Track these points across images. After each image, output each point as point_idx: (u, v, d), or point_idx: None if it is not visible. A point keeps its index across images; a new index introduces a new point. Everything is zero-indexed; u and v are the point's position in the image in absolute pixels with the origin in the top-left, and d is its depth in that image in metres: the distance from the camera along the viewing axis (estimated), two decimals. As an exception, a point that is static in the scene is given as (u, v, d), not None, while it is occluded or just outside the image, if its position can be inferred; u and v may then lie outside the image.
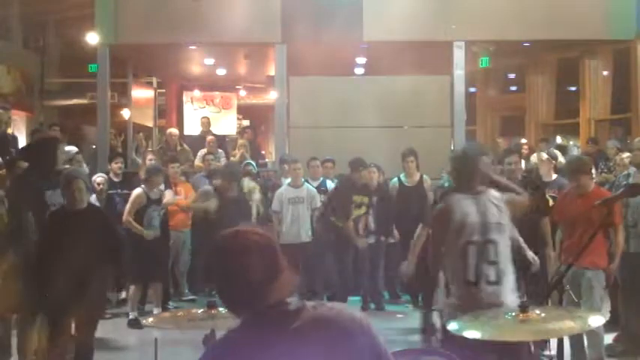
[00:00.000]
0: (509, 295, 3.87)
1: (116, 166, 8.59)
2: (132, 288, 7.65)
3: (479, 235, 3.93)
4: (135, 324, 7.34)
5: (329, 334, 1.86)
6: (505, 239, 3.98)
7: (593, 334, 5.25)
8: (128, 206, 7.59)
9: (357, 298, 8.27)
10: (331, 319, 1.89)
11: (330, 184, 8.66)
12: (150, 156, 8.90)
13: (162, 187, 7.95)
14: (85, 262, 4.89)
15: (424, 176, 8.60)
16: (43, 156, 5.55)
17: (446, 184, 8.50)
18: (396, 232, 8.32)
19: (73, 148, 8.16)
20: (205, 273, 1.97)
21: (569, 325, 2.87)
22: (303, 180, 8.43)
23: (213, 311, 3.06)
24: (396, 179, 8.63)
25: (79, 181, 5.30)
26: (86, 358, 5.23)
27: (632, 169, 6.41)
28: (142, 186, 7.68)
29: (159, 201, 7.70)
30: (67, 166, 7.50)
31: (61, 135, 10.94)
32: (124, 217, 7.53)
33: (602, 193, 5.49)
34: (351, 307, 1.98)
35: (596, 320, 2.99)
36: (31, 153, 5.81)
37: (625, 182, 6.24)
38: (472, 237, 3.93)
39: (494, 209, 3.98)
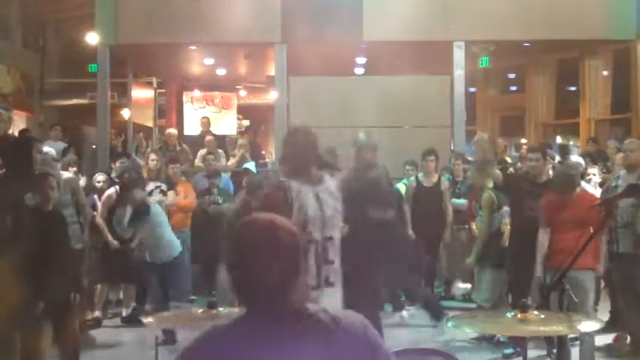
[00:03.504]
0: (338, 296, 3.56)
1: (120, 166, 8.60)
2: (98, 288, 7.62)
3: (319, 231, 3.54)
4: (97, 323, 7.43)
5: (334, 344, 1.83)
6: (338, 234, 3.65)
7: (585, 337, 5.24)
8: (100, 208, 7.59)
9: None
10: (338, 327, 1.86)
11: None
12: (153, 155, 8.91)
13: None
14: (49, 263, 4.85)
15: (442, 177, 8.54)
16: (18, 157, 5.44)
17: (447, 183, 8.52)
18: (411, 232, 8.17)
19: (50, 150, 7.99)
20: (229, 256, 1.91)
21: (559, 327, 2.88)
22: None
23: (213, 311, 3.07)
24: (413, 178, 8.45)
25: (51, 180, 5.22)
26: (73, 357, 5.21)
27: (623, 171, 6.38)
28: (115, 187, 7.73)
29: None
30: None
31: (62, 135, 11.00)
32: (96, 219, 7.52)
33: (587, 196, 5.49)
34: (354, 314, 1.95)
35: (590, 326, 3.00)
36: (6, 155, 5.66)
37: (614, 185, 6.21)
38: (312, 234, 3.52)
39: (331, 200, 3.61)
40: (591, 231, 4.62)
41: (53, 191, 5.16)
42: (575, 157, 8.13)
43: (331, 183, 3.66)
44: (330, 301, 3.44)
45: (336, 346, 1.83)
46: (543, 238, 5.64)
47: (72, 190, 7.08)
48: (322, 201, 3.54)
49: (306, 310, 1.87)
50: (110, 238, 7.48)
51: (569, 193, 5.45)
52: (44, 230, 4.95)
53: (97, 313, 7.61)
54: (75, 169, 8.04)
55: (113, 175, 8.58)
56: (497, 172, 6.43)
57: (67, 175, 7.15)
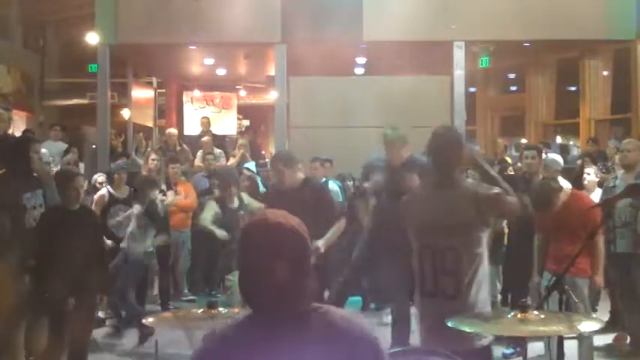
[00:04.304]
0: (472, 310, 3.33)
1: (113, 166, 8.61)
2: None
3: (436, 238, 3.39)
4: (99, 323, 7.38)
5: (337, 345, 1.82)
6: (471, 245, 3.39)
7: (584, 337, 5.21)
8: (93, 208, 7.56)
9: (358, 298, 8.26)
10: (342, 330, 1.85)
11: (332, 184, 8.62)
12: (153, 155, 8.91)
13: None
14: (83, 262, 4.87)
15: None
16: (16, 157, 5.43)
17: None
18: None
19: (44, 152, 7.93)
20: (237, 255, 1.91)
21: (559, 327, 2.88)
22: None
23: (213, 311, 3.06)
24: None
25: (80, 179, 5.29)
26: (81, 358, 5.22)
27: (620, 171, 6.37)
28: (107, 187, 7.72)
29: (126, 201, 7.59)
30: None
31: (61, 135, 11.01)
32: None
33: (578, 200, 5.44)
34: (360, 318, 1.93)
35: (590, 326, 3.00)
36: (3, 155, 5.65)
37: (612, 185, 6.21)
38: (428, 239, 3.42)
39: (464, 207, 3.38)
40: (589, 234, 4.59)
41: (75, 191, 5.15)
42: (553, 155, 7.94)
43: (470, 190, 3.44)
44: (440, 312, 3.22)
45: (338, 347, 1.83)
46: (540, 243, 5.62)
47: None
48: (448, 207, 3.38)
49: (310, 312, 1.87)
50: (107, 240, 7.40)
51: (547, 209, 5.34)
52: (71, 229, 4.97)
53: (101, 314, 7.61)
54: (76, 169, 8.04)
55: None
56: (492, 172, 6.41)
57: None
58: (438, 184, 3.50)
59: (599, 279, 5.43)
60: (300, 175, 5.47)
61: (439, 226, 3.37)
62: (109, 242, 7.35)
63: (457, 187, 3.45)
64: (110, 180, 7.94)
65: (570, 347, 5.23)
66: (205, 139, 10.79)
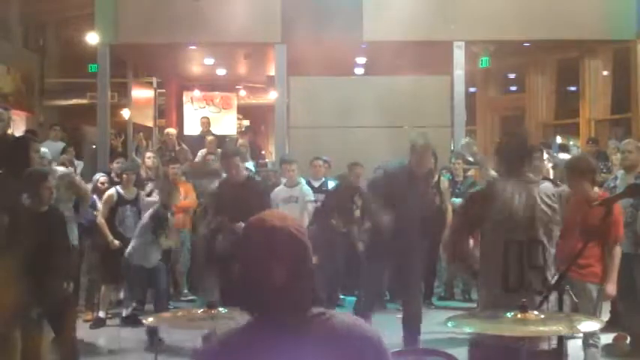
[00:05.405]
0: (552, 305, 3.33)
1: (117, 166, 8.62)
2: (102, 288, 7.67)
3: (523, 232, 3.43)
4: (100, 323, 7.47)
5: (339, 349, 1.82)
6: (551, 239, 3.49)
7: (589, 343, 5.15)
8: (101, 208, 7.58)
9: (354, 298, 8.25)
10: (344, 334, 1.85)
11: (332, 185, 8.63)
12: (149, 154, 8.91)
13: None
14: (49, 265, 4.84)
15: (442, 177, 8.51)
16: (15, 157, 5.41)
17: (446, 183, 8.50)
18: None
19: (45, 151, 7.89)
20: (235, 260, 1.90)
21: (559, 327, 2.87)
22: (300, 180, 8.39)
23: (213, 311, 3.06)
24: None
25: (50, 180, 5.23)
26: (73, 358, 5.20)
27: (620, 172, 6.35)
28: (116, 186, 7.75)
29: (134, 201, 7.67)
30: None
31: (62, 134, 11.00)
32: (97, 219, 7.53)
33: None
34: (363, 321, 1.93)
35: (590, 326, 2.99)
36: (3, 154, 5.62)
37: (612, 185, 6.20)
38: (515, 234, 3.44)
39: (544, 205, 3.47)
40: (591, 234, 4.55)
41: (48, 191, 5.11)
42: (563, 155, 7.83)
43: (548, 188, 3.58)
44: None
45: (340, 350, 1.82)
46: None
47: (68, 185, 7.07)
48: (531, 202, 3.45)
49: (312, 316, 1.86)
50: (111, 238, 7.47)
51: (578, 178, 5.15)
52: (39, 231, 4.93)
53: (101, 314, 7.61)
54: (71, 168, 8.05)
55: (112, 175, 8.58)
56: (493, 172, 6.42)
57: (61, 170, 7.15)
58: (515, 182, 3.55)
59: (611, 287, 5.15)
60: (245, 172, 5.98)
61: (525, 220, 3.43)
62: (116, 243, 7.40)
63: (533, 183, 3.54)
64: (111, 180, 7.95)
65: (574, 347, 5.23)
66: (210, 138, 10.79)
